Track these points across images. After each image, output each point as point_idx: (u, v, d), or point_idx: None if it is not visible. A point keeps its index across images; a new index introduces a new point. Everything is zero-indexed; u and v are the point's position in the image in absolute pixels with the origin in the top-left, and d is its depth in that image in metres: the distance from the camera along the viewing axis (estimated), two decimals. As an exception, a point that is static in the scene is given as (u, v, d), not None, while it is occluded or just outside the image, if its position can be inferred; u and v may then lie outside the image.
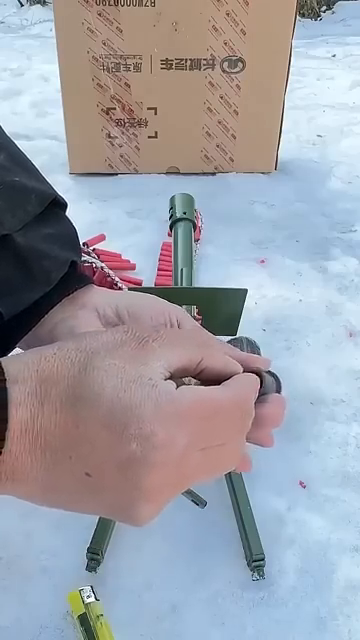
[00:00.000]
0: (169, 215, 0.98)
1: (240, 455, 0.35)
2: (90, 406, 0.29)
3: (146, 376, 0.30)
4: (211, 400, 0.32)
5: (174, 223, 0.96)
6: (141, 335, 0.32)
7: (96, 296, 0.44)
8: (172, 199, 1.00)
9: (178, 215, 0.95)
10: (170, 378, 0.31)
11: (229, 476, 0.66)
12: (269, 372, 0.40)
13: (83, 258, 0.89)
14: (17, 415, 0.28)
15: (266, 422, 0.39)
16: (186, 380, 0.34)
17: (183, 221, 0.95)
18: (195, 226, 0.97)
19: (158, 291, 0.83)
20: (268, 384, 0.39)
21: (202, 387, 0.32)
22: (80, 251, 0.47)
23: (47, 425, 0.29)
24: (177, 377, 0.32)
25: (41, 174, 0.48)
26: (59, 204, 0.47)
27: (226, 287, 0.75)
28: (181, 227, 0.94)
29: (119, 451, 0.29)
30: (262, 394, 0.39)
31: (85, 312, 0.43)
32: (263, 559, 0.61)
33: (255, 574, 0.61)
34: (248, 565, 0.61)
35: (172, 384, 0.30)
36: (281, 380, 0.41)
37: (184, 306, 0.75)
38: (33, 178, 0.46)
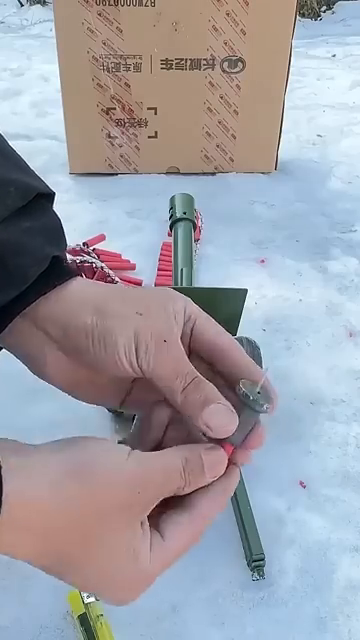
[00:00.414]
0: (169, 215, 0.99)
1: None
2: (79, 573, 0.36)
3: (131, 547, 0.36)
4: (180, 552, 0.38)
5: (174, 223, 0.96)
6: (146, 498, 0.36)
7: (80, 292, 0.42)
8: (172, 199, 1.00)
9: (178, 215, 0.96)
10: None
11: None
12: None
13: (83, 258, 0.89)
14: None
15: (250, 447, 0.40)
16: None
17: (183, 221, 0.95)
18: (195, 226, 0.97)
19: None
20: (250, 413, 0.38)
21: (172, 541, 0.37)
22: (65, 245, 0.45)
23: (42, 565, 0.36)
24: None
25: (26, 164, 0.46)
26: (45, 195, 0.45)
27: (226, 287, 0.75)
28: (181, 227, 0.94)
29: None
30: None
31: (76, 306, 0.41)
32: (263, 559, 0.61)
33: (255, 574, 0.61)
34: (248, 565, 0.61)
35: (147, 552, 0.36)
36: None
37: None
38: (15, 169, 0.44)
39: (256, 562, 0.61)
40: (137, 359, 0.39)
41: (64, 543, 0.35)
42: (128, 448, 0.37)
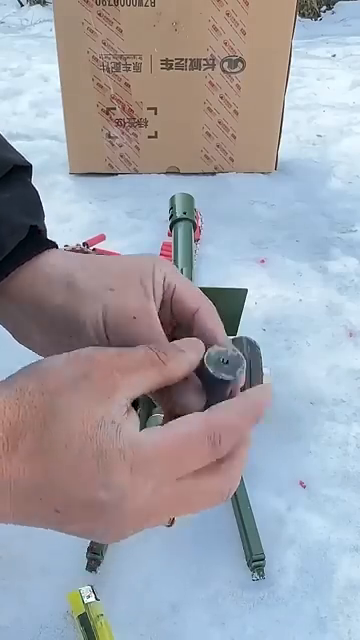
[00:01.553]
0: (169, 215, 0.98)
1: (228, 479, 0.34)
2: (58, 458, 0.30)
3: (109, 418, 0.30)
4: (175, 437, 0.31)
5: (174, 223, 0.96)
6: (104, 364, 0.32)
7: (53, 267, 0.41)
8: (172, 199, 1.00)
9: (178, 215, 0.95)
10: (134, 404, 0.32)
11: None
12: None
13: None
14: None
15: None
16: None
17: (183, 221, 0.95)
18: (195, 226, 0.97)
19: None
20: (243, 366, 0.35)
21: (165, 426, 0.32)
22: (43, 216, 0.45)
23: (16, 475, 0.30)
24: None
25: (3, 138, 0.45)
26: (22, 168, 0.45)
27: (226, 287, 0.75)
28: (181, 227, 0.94)
29: (88, 497, 0.30)
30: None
31: (50, 280, 0.40)
32: (263, 559, 0.61)
33: (255, 574, 0.61)
34: (248, 565, 0.61)
35: (136, 425, 0.31)
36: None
37: None
38: None
39: (256, 562, 0.61)
40: (106, 336, 0.38)
41: (28, 433, 0.31)
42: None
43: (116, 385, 0.32)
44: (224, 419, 0.33)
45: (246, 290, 0.72)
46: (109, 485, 0.30)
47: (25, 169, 0.45)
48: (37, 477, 0.30)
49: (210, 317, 0.42)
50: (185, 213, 0.95)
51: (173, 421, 0.32)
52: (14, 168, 0.44)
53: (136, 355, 0.34)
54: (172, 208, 0.98)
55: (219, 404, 0.33)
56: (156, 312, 0.39)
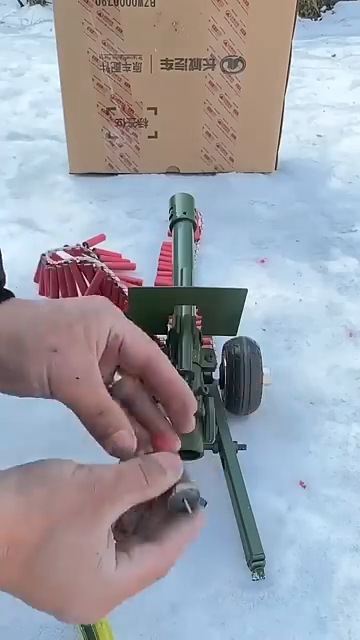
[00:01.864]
0: (169, 215, 0.98)
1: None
2: (43, 583, 0.36)
3: (93, 551, 0.36)
4: (146, 575, 0.39)
5: (174, 223, 0.96)
6: (100, 495, 0.37)
7: (10, 317, 0.43)
8: (172, 199, 1.00)
9: (178, 215, 0.95)
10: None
11: (229, 476, 0.66)
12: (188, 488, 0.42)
13: (83, 258, 0.89)
14: None
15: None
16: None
17: (183, 221, 0.95)
18: (195, 226, 0.97)
19: (158, 291, 0.83)
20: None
21: (138, 562, 0.38)
22: (2, 273, 0.47)
23: (6, 580, 0.36)
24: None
25: None
26: None
27: (226, 287, 0.75)
28: (181, 227, 0.94)
29: (59, 609, 0.37)
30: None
31: None
32: (263, 559, 0.61)
33: (255, 574, 0.61)
34: (248, 565, 0.61)
35: (111, 556, 0.37)
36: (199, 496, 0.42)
37: (184, 306, 0.74)
38: None
39: (256, 562, 0.61)
40: (50, 393, 0.42)
41: (26, 550, 0.36)
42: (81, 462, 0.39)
43: (104, 516, 0.37)
44: (175, 552, 0.40)
45: (246, 290, 0.72)
46: (80, 617, 0.38)
47: None
48: (23, 586, 0.36)
49: (164, 368, 0.44)
50: (185, 213, 0.95)
51: (137, 558, 0.38)
52: None
53: (129, 482, 0.38)
54: (172, 208, 0.98)
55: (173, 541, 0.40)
56: (98, 369, 0.42)
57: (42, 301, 0.45)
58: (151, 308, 0.74)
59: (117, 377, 0.46)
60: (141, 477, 0.39)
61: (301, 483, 0.72)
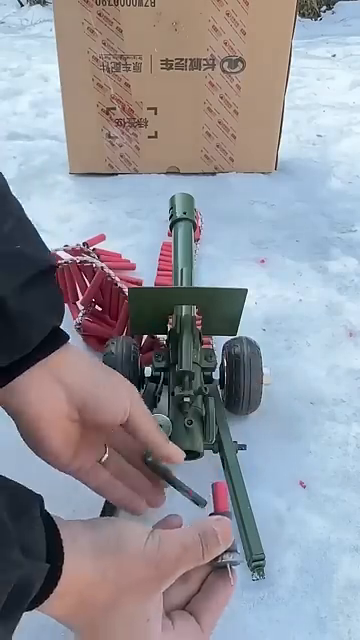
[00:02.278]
0: (169, 215, 0.98)
1: None
2: (101, 638, 0.42)
3: (146, 617, 0.42)
4: None
5: (174, 223, 0.96)
6: (164, 572, 0.42)
7: (64, 370, 0.51)
8: (172, 199, 1.00)
9: (178, 215, 0.95)
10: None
11: (229, 476, 0.66)
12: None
13: (83, 258, 0.89)
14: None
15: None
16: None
17: (183, 221, 0.95)
18: (195, 226, 0.97)
19: (158, 291, 0.83)
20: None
21: (180, 633, 0.44)
22: (62, 316, 0.53)
23: (69, 618, 0.42)
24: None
25: (40, 238, 0.53)
26: (52, 267, 0.53)
27: (226, 287, 0.75)
28: (181, 227, 0.94)
29: None
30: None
31: (47, 389, 0.50)
32: (263, 559, 0.61)
33: (255, 574, 0.61)
34: (248, 565, 0.61)
35: (159, 620, 0.43)
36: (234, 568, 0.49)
37: (184, 306, 0.74)
38: (33, 245, 0.51)
39: (256, 562, 0.61)
40: (128, 416, 0.53)
41: (93, 609, 0.41)
42: (150, 528, 0.44)
43: (162, 589, 0.43)
44: (211, 626, 0.48)
45: (246, 290, 0.72)
46: None
47: (53, 268, 0.53)
48: (85, 635, 0.43)
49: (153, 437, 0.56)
50: (185, 213, 0.95)
51: (179, 629, 0.45)
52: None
53: (189, 556, 0.44)
54: (172, 208, 0.98)
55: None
56: None
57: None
58: (151, 308, 0.74)
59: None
60: (200, 551, 0.44)
61: (301, 483, 0.72)
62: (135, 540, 0.43)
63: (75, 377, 0.51)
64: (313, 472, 0.73)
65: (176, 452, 0.56)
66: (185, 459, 0.59)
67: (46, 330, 0.50)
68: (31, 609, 0.38)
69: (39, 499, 0.40)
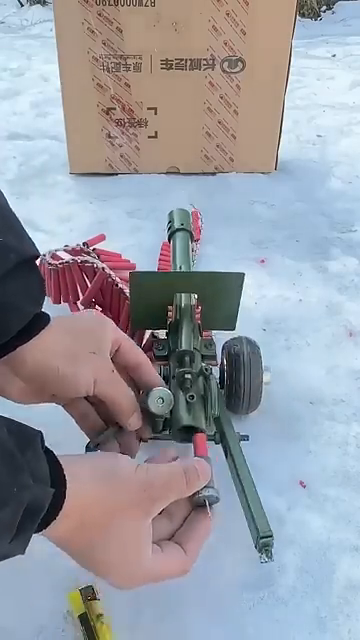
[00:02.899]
0: (167, 227, 0.99)
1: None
2: (98, 555, 0.48)
3: (138, 539, 0.48)
4: (172, 566, 0.51)
5: (172, 233, 0.97)
6: (155, 492, 0.48)
7: (47, 342, 0.55)
8: (170, 214, 1.01)
9: (176, 226, 0.96)
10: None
11: (233, 462, 0.65)
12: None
13: (84, 258, 0.89)
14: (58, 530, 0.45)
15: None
16: None
17: (181, 231, 0.96)
18: (192, 237, 0.98)
19: (159, 275, 0.83)
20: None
21: (167, 555, 0.50)
22: (42, 302, 0.57)
23: (67, 543, 0.48)
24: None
25: (22, 227, 0.56)
26: (33, 257, 0.56)
27: (223, 271, 0.75)
28: (179, 237, 0.95)
29: (101, 577, 0.50)
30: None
31: (39, 357, 0.54)
32: (271, 536, 0.58)
33: (263, 556, 0.58)
34: (255, 546, 0.59)
35: (149, 549, 0.49)
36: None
37: (183, 295, 0.75)
38: (15, 236, 0.54)
39: (264, 539, 0.58)
40: (95, 390, 0.56)
41: (91, 529, 0.46)
42: (138, 461, 0.51)
43: (152, 513, 0.49)
44: (195, 552, 0.53)
45: (243, 274, 0.72)
46: (114, 579, 0.50)
47: (35, 257, 0.56)
48: (82, 550, 0.48)
49: (148, 372, 0.62)
50: (183, 224, 0.96)
51: (167, 552, 0.51)
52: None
53: (174, 485, 0.50)
54: (170, 222, 0.99)
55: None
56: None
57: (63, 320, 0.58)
58: (152, 296, 0.74)
59: None
60: (184, 482, 0.50)
61: (301, 483, 0.72)
62: (127, 467, 0.48)
63: (40, 361, 0.54)
64: (313, 472, 0.73)
65: (136, 422, 0.60)
66: (184, 440, 0.60)
67: (26, 319, 0.53)
68: (41, 530, 0.43)
69: (40, 434, 0.44)
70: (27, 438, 0.42)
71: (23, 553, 0.43)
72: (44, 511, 0.42)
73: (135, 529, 0.48)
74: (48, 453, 0.44)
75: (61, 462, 0.44)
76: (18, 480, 0.39)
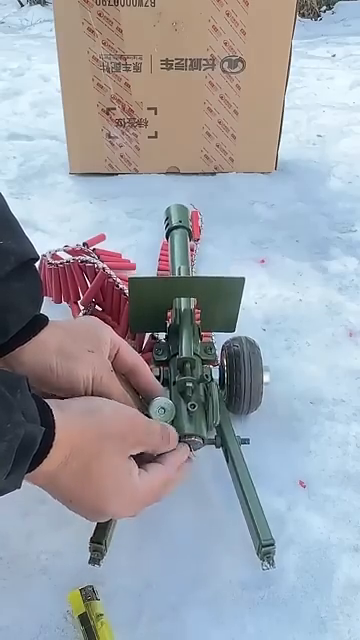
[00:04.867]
0: (165, 225, 0.99)
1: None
2: (90, 486, 0.51)
3: (127, 467, 0.52)
4: (159, 483, 0.55)
5: (170, 231, 0.96)
6: (138, 430, 0.54)
7: (45, 340, 0.56)
8: (167, 210, 1.00)
9: (174, 223, 0.96)
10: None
11: (234, 466, 0.65)
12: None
13: (84, 258, 0.89)
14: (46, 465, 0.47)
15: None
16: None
17: (179, 229, 0.95)
18: (191, 234, 0.98)
19: (158, 281, 0.83)
20: None
21: (152, 473, 0.55)
22: (41, 303, 0.58)
23: (62, 476, 0.49)
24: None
25: (21, 230, 0.57)
26: (33, 259, 0.57)
27: (224, 276, 0.75)
28: (177, 234, 0.94)
29: (98, 513, 0.54)
30: None
31: (37, 354, 0.55)
32: (273, 544, 0.59)
33: (265, 563, 0.59)
34: (257, 554, 0.60)
35: (136, 474, 0.53)
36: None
37: (183, 299, 0.74)
38: (14, 239, 0.55)
39: (266, 548, 0.59)
40: (93, 388, 0.55)
41: (83, 455, 0.49)
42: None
43: (136, 449, 0.53)
44: (174, 467, 0.57)
45: (243, 278, 0.72)
46: (113, 514, 0.54)
47: (34, 259, 0.57)
48: (74, 486, 0.50)
49: (146, 373, 0.63)
50: (181, 221, 0.96)
51: (151, 471, 0.55)
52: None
53: (155, 438, 0.55)
54: (167, 218, 0.99)
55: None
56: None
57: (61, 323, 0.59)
58: (151, 301, 0.74)
59: None
60: (159, 440, 0.56)
61: (301, 483, 0.72)
62: (113, 405, 0.53)
63: (38, 361, 0.55)
64: (313, 472, 0.73)
65: None
66: (188, 442, 0.60)
67: (25, 320, 0.55)
68: (34, 468, 0.46)
69: (25, 378, 0.47)
70: (15, 381, 0.45)
71: (19, 487, 0.46)
72: (37, 446, 0.45)
73: (123, 461, 0.52)
74: (33, 395, 0.47)
75: (45, 401, 0.48)
76: (12, 418, 0.42)
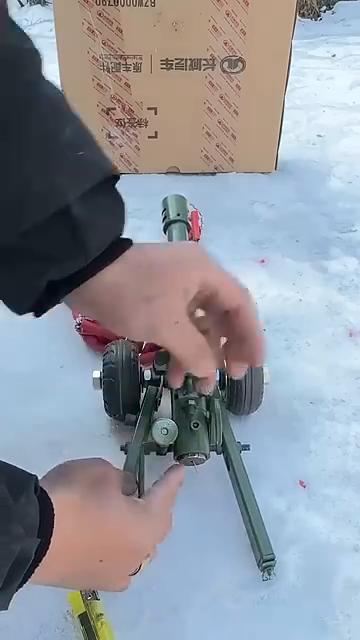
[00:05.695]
0: (162, 217, 0.98)
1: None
2: (94, 584, 0.53)
3: (130, 500, 0.50)
4: (162, 505, 0.54)
5: (168, 225, 0.96)
6: (145, 509, 0.51)
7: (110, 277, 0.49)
8: (164, 201, 0.99)
9: (172, 217, 0.95)
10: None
11: (235, 476, 0.65)
12: None
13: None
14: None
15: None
16: None
17: (177, 223, 0.94)
18: (189, 227, 0.97)
19: None
20: None
21: (150, 501, 0.52)
22: (125, 223, 0.52)
23: (77, 544, 0.46)
24: None
25: (100, 146, 0.51)
26: (115, 176, 0.50)
27: None
28: (175, 229, 0.93)
29: (129, 550, 0.51)
30: None
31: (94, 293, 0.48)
32: (273, 559, 0.60)
33: (265, 574, 0.61)
34: (258, 566, 0.61)
35: (140, 500, 0.52)
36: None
37: None
38: (95, 151, 0.49)
39: (266, 562, 0.60)
40: (152, 338, 0.49)
41: (81, 566, 0.47)
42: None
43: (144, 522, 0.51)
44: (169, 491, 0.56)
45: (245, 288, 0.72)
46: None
47: (117, 177, 0.50)
48: (97, 547, 0.47)
49: (250, 317, 0.54)
50: (179, 215, 0.95)
51: (148, 499, 0.53)
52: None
53: (148, 550, 0.53)
54: (165, 210, 0.98)
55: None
56: (186, 313, 0.49)
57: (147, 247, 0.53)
58: None
59: (198, 313, 0.54)
60: (153, 550, 0.54)
61: (301, 483, 0.72)
62: (120, 499, 0.49)
63: (96, 301, 0.50)
64: (313, 472, 0.73)
65: (202, 371, 0.54)
66: (190, 463, 0.60)
67: (111, 237, 0.49)
68: (25, 582, 0.42)
69: (34, 479, 0.42)
70: (21, 483, 0.41)
71: (6, 608, 0.41)
72: (30, 562, 0.41)
73: (120, 498, 0.49)
74: (41, 496, 0.43)
75: (53, 505, 0.43)
76: (11, 530, 0.38)
